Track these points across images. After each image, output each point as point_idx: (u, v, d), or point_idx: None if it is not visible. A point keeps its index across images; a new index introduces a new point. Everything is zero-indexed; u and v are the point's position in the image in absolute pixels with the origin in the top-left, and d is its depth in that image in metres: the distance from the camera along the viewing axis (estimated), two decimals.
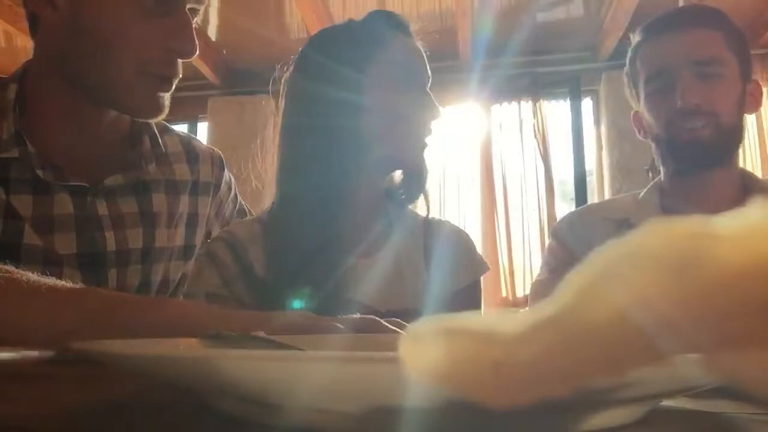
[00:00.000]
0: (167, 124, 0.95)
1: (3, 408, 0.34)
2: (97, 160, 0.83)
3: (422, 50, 0.91)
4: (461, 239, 0.97)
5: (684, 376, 0.23)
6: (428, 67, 0.91)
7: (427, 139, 0.89)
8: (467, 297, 0.92)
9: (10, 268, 0.61)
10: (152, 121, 0.89)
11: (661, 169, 1.09)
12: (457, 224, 1.04)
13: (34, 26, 0.81)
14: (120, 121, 0.85)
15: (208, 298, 0.83)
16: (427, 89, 0.90)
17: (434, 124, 0.90)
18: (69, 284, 0.61)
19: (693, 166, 1.01)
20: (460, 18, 3.19)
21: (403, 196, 0.95)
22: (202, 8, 0.83)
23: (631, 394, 0.23)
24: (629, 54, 1.09)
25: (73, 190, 0.80)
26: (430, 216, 0.97)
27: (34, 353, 0.52)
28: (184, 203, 0.92)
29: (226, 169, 1.02)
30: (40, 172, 0.77)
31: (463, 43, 3.39)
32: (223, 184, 1.00)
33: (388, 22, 0.90)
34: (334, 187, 0.84)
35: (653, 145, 1.08)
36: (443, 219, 1.02)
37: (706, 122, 0.97)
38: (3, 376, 0.45)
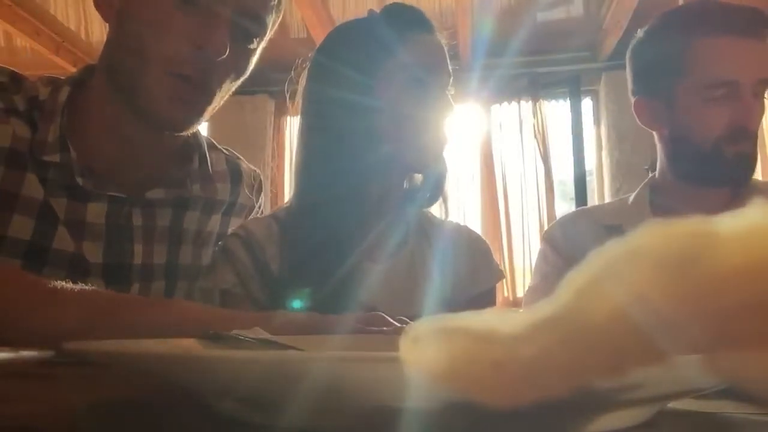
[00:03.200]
0: (215, 142, 0.94)
1: (3, 408, 0.33)
2: (139, 173, 0.81)
3: (442, 45, 0.88)
4: (478, 245, 0.96)
5: (688, 377, 0.23)
6: (448, 63, 0.88)
7: (442, 141, 0.87)
8: (482, 304, 0.90)
9: (14, 267, 0.61)
10: (202, 141, 0.88)
11: (661, 166, 1.05)
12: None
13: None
14: (171, 137, 0.82)
15: (223, 295, 0.83)
16: (445, 87, 0.87)
17: (449, 125, 0.87)
18: (72, 285, 0.61)
19: (715, 182, 0.98)
20: (460, 17, 3.19)
21: (421, 199, 0.93)
22: (256, 30, 0.78)
23: (636, 396, 0.23)
24: (661, 37, 1.01)
25: (111, 198, 0.78)
26: (448, 220, 0.96)
27: (34, 353, 0.52)
28: (214, 222, 0.90)
29: (262, 192, 1.00)
30: (79, 180, 0.75)
31: (463, 43, 3.39)
32: (256, 208, 0.98)
33: (401, 19, 0.87)
34: (345, 187, 0.84)
35: (667, 141, 1.02)
36: (461, 224, 1.00)
37: (749, 145, 0.95)
38: (3, 376, 0.45)
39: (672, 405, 0.32)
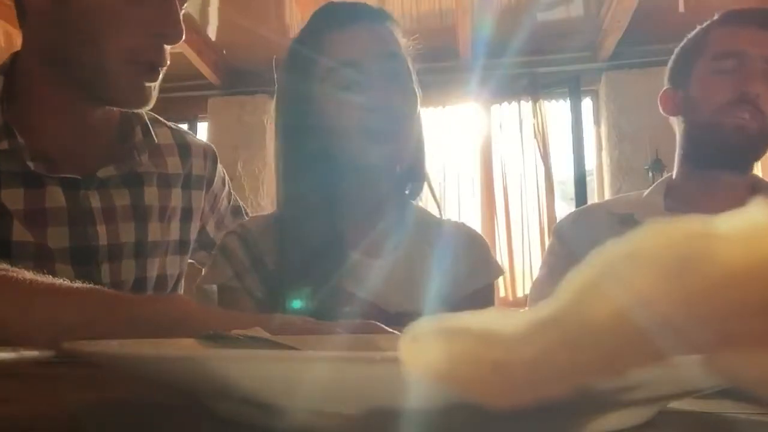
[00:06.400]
0: (158, 117, 0.95)
1: (3, 408, 0.33)
2: (88, 152, 0.83)
3: (371, 30, 0.85)
4: (476, 242, 0.96)
5: (688, 377, 0.23)
6: (381, 46, 0.84)
7: (386, 131, 0.83)
8: (480, 300, 0.90)
9: (6, 266, 0.61)
10: (142, 112, 0.88)
11: (678, 159, 1.08)
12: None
13: (22, 17, 0.81)
14: (111, 112, 0.85)
15: (221, 291, 0.84)
16: (382, 72, 0.83)
17: (404, 110, 0.84)
18: (68, 283, 0.61)
19: (724, 159, 1.01)
20: (460, 17, 3.19)
21: (401, 191, 0.92)
22: None
23: (636, 396, 0.23)
24: (695, 31, 1.09)
25: (65, 183, 0.79)
26: (445, 218, 0.96)
27: (34, 353, 0.52)
28: (176, 197, 0.91)
29: (219, 164, 1.01)
30: (30, 164, 0.76)
31: (463, 42, 3.39)
32: (216, 178, 0.99)
33: (325, 20, 0.87)
34: (307, 188, 0.85)
35: (683, 126, 1.06)
36: (458, 221, 1.00)
37: (755, 117, 0.97)
38: (3, 376, 0.45)
39: (672, 405, 0.32)
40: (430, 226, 0.94)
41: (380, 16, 0.88)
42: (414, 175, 0.92)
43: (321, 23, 0.87)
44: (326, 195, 0.84)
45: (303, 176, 0.86)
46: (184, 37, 0.79)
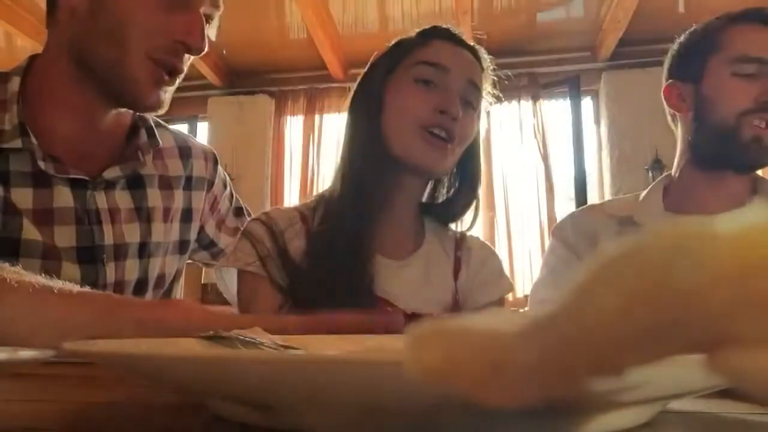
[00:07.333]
0: (161, 121, 0.96)
1: (3, 408, 0.34)
2: (96, 153, 0.85)
3: (465, 54, 0.90)
4: (490, 257, 0.99)
5: (688, 377, 0.23)
6: (471, 70, 0.90)
7: (436, 144, 0.86)
8: None
9: (21, 270, 0.62)
10: (149, 116, 0.90)
11: (681, 157, 1.06)
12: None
13: (52, 14, 0.83)
14: (122, 116, 0.87)
15: (241, 275, 0.87)
16: (457, 90, 0.87)
17: (463, 133, 0.88)
18: (78, 287, 0.62)
19: (735, 163, 1.00)
20: (460, 17, 3.19)
21: (450, 210, 0.97)
22: (216, 15, 0.86)
23: (636, 396, 0.23)
24: (707, 24, 1.05)
25: (73, 183, 0.81)
26: (462, 231, 0.99)
27: (33, 353, 0.52)
28: (178, 198, 0.93)
29: (220, 166, 1.03)
30: (41, 164, 0.78)
31: None
32: (217, 180, 1.01)
33: (431, 30, 0.92)
34: (352, 181, 0.87)
35: (692, 124, 1.04)
36: (473, 235, 1.02)
37: None
38: (3, 376, 0.45)
39: (672, 405, 0.32)
40: (446, 235, 0.97)
41: (484, 61, 0.93)
42: (457, 198, 0.97)
43: (435, 31, 0.92)
44: (369, 188, 0.87)
45: (356, 163, 0.88)
46: (205, 50, 0.82)
